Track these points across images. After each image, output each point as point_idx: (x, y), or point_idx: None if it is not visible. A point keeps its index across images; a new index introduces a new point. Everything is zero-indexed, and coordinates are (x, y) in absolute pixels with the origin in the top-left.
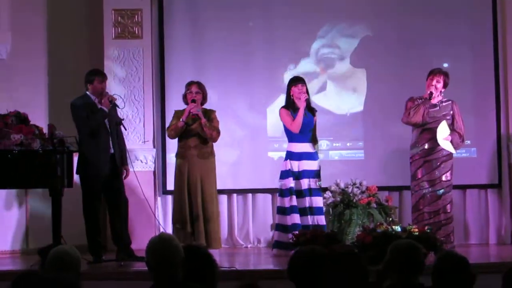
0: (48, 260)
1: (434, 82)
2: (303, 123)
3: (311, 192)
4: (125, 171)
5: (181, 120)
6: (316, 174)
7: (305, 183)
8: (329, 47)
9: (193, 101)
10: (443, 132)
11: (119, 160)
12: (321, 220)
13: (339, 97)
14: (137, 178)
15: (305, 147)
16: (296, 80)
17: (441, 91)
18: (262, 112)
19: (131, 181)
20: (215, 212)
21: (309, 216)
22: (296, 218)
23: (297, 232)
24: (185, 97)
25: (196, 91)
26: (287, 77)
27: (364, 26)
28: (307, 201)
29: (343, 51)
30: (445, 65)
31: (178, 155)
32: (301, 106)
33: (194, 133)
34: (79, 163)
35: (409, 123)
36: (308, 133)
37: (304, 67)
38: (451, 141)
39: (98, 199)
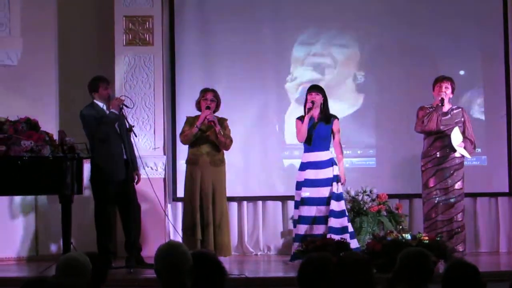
0: (58, 267)
1: (443, 89)
2: (316, 133)
3: (321, 201)
4: (136, 176)
5: (195, 126)
6: (328, 182)
7: (314, 192)
8: (342, 54)
9: (208, 108)
10: (457, 138)
11: (132, 166)
12: (322, 229)
13: (350, 105)
14: (152, 184)
15: (319, 156)
16: (310, 88)
17: (449, 98)
18: (272, 120)
19: (141, 188)
20: (226, 219)
21: (308, 225)
22: (300, 228)
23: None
24: (198, 103)
25: (211, 99)
26: (298, 85)
27: (376, 32)
28: (313, 210)
29: (354, 58)
30: (461, 72)
31: (189, 162)
32: (306, 116)
33: (207, 140)
34: (93, 170)
35: (423, 131)
36: (322, 141)
37: (314, 74)
38: (465, 148)
39: (112, 205)
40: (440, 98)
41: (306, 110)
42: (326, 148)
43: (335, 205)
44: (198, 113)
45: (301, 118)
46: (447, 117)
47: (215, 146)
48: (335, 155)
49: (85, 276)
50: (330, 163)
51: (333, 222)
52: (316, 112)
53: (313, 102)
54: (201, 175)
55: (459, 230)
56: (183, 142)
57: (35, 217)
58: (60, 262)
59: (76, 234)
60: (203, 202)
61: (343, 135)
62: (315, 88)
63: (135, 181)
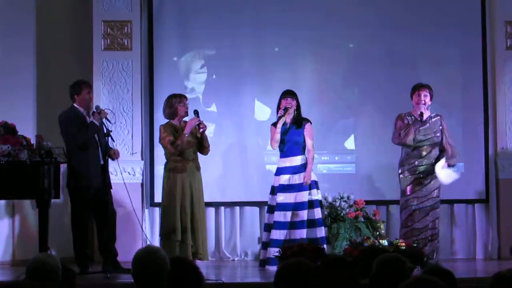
0: (27, 270)
1: (422, 97)
2: (287, 139)
3: (297, 206)
4: (113, 152)
5: (184, 134)
6: (307, 187)
7: (289, 197)
8: (319, 62)
9: (195, 112)
10: (440, 168)
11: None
12: (302, 233)
13: (329, 110)
14: (127, 190)
15: (294, 161)
16: (285, 94)
17: (428, 105)
18: (251, 125)
19: (118, 193)
20: (204, 224)
21: (284, 231)
22: (274, 234)
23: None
24: (175, 109)
25: (188, 103)
26: (276, 91)
27: (353, 42)
28: (288, 216)
29: (334, 65)
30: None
31: (176, 170)
32: (278, 122)
33: (192, 146)
34: (69, 175)
35: (400, 144)
36: (295, 146)
37: (294, 80)
38: (448, 153)
39: (88, 211)
40: (419, 112)
41: (277, 117)
42: (300, 152)
43: (319, 213)
44: (167, 120)
45: (275, 125)
46: (425, 126)
47: (195, 151)
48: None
49: (55, 278)
50: (304, 168)
51: (319, 232)
52: (289, 118)
53: (286, 109)
54: (190, 181)
55: (433, 237)
56: (177, 152)
57: (13, 221)
58: (29, 265)
59: (55, 238)
60: (194, 208)
61: (322, 141)
62: (289, 94)
63: (115, 155)
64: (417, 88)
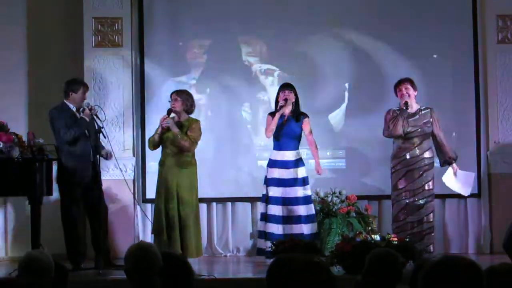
0: (20, 266)
1: (404, 91)
2: (285, 131)
3: (289, 201)
4: (104, 154)
5: (156, 133)
6: (299, 182)
7: (280, 191)
8: (310, 55)
9: (169, 110)
10: (450, 181)
11: (99, 167)
12: (299, 228)
13: (319, 105)
14: (127, 184)
15: (286, 155)
16: (284, 86)
17: (415, 97)
18: (242, 121)
19: (110, 189)
20: (195, 221)
21: (280, 225)
22: (269, 227)
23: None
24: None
25: (174, 98)
26: (269, 84)
27: (345, 36)
28: (282, 210)
29: (324, 59)
30: (434, 56)
31: (159, 163)
32: (277, 112)
33: (173, 142)
34: (59, 171)
35: (390, 136)
36: (291, 140)
37: (285, 74)
38: (446, 149)
39: (78, 207)
40: (404, 102)
41: (278, 107)
42: (294, 148)
43: (303, 210)
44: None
45: (272, 114)
46: (414, 117)
47: (178, 147)
48: (303, 155)
49: (47, 275)
50: (297, 163)
51: (304, 228)
52: (287, 110)
53: (286, 100)
54: (167, 176)
55: (430, 231)
56: (149, 148)
57: (5, 218)
58: (22, 262)
59: (48, 235)
60: (169, 203)
61: (313, 135)
62: (288, 86)
63: (108, 157)
64: (397, 85)
